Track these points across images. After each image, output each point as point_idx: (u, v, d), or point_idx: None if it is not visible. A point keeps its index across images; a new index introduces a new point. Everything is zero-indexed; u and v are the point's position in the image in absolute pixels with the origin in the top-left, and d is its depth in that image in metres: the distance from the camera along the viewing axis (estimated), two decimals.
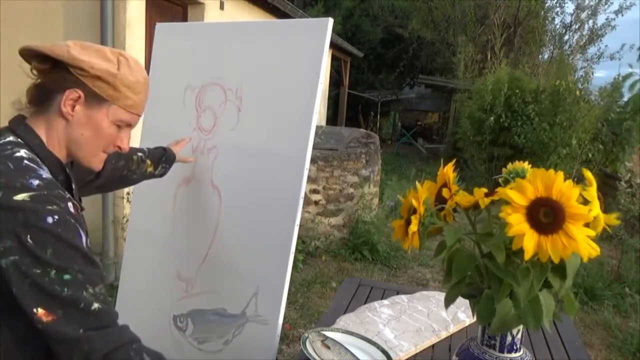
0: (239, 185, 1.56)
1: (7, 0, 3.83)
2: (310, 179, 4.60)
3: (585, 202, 0.91)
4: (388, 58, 15.36)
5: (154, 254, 1.79)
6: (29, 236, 0.85)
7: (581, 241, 0.85)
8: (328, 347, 1.34)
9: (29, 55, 0.99)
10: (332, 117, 13.19)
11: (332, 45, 9.22)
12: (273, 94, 1.50)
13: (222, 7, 5.15)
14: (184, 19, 4.86)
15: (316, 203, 4.73)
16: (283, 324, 1.41)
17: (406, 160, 11.21)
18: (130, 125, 1.08)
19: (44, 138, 0.99)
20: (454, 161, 1.11)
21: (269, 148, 1.49)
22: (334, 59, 10.88)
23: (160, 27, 1.87)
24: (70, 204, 0.92)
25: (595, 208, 0.91)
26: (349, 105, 13.62)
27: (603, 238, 1.13)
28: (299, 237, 1.55)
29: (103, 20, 3.57)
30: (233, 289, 1.53)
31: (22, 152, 0.94)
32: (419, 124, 15.97)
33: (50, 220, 0.87)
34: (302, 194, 1.39)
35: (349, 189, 4.85)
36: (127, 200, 3.74)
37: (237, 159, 1.58)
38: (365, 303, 1.82)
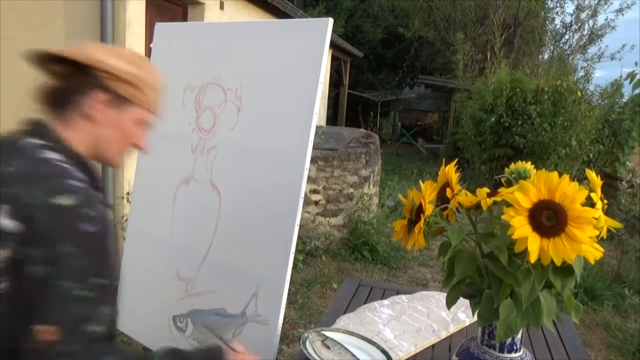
0: (239, 185, 1.56)
1: (7, 0, 3.83)
2: (310, 179, 4.60)
3: (592, 203, 0.90)
4: (388, 58, 15.36)
5: (154, 254, 1.79)
6: (67, 244, 0.83)
7: (584, 244, 0.84)
8: (328, 347, 1.34)
9: (45, 58, 0.98)
10: (332, 117, 13.19)
11: (332, 45, 9.22)
12: (273, 94, 1.50)
13: (222, 7, 5.15)
14: (184, 19, 4.86)
15: (316, 203, 4.73)
16: (283, 324, 1.41)
17: (406, 160, 11.21)
18: (148, 124, 1.09)
19: (67, 139, 0.98)
20: (455, 161, 1.10)
21: (269, 148, 1.49)
22: (334, 59, 10.88)
23: (160, 27, 1.87)
24: (104, 206, 0.92)
25: (598, 210, 0.91)
26: (349, 105, 13.62)
27: (603, 238, 1.13)
28: (299, 237, 1.55)
29: (103, 20, 3.58)
30: (233, 289, 1.52)
31: (53, 154, 0.93)
32: (418, 124, 15.96)
33: (90, 228, 0.85)
34: (302, 194, 1.39)
35: (348, 189, 4.85)
36: (127, 200, 3.74)
37: (237, 159, 1.58)
38: (365, 303, 1.82)
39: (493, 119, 7.25)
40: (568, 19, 12.62)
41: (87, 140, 1.00)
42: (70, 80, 0.98)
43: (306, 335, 1.38)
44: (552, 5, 12.89)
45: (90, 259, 0.86)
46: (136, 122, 1.04)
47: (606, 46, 12.83)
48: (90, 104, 0.98)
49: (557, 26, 12.94)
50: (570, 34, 12.63)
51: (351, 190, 4.87)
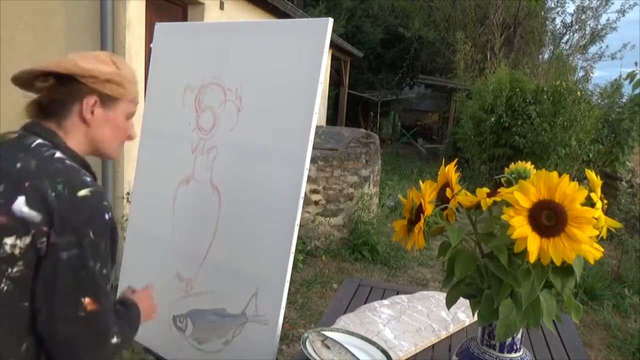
0: (239, 185, 1.56)
1: (7, 0, 3.83)
2: (310, 179, 4.60)
3: (592, 203, 0.90)
4: (388, 58, 15.35)
5: (154, 254, 1.79)
6: (91, 231, 0.94)
7: (584, 244, 0.84)
8: (328, 347, 1.34)
9: (30, 76, 1.04)
10: (332, 117, 13.18)
11: (332, 45, 9.22)
12: (273, 94, 1.50)
13: (222, 7, 5.15)
14: (184, 19, 4.86)
15: (316, 203, 4.72)
16: (283, 324, 1.41)
17: (406, 160, 11.21)
18: (133, 115, 1.18)
19: (66, 142, 1.06)
20: (455, 161, 1.10)
21: (269, 148, 1.49)
22: (334, 59, 10.88)
23: (160, 27, 1.87)
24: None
25: (598, 210, 0.91)
26: (349, 105, 13.61)
27: (603, 238, 1.13)
28: (299, 237, 1.55)
29: (103, 20, 3.57)
30: (233, 289, 1.52)
31: (59, 154, 1.02)
32: (418, 124, 15.95)
33: (107, 217, 0.98)
34: (302, 194, 1.39)
35: (348, 189, 4.85)
36: (127, 200, 3.74)
37: (237, 158, 1.58)
38: (365, 303, 1.82)
39: (493, 119, 7.26)
40: (568, 19, 12.63)
41: (84, 142, 1.09)
42: (61, 92, 1.05)
43: (306, 335, 1.38)
44: (552, 5, 12.89)
45: (109, 242, 0.98)
46: (126, 115, 1.14)
47: (606, 46, 12.78)
48: (85, 109, 1.06)
49: (558, 26, 12.94)
50: (571, 34, 12.63)
51: (351, 190, 4.87)
